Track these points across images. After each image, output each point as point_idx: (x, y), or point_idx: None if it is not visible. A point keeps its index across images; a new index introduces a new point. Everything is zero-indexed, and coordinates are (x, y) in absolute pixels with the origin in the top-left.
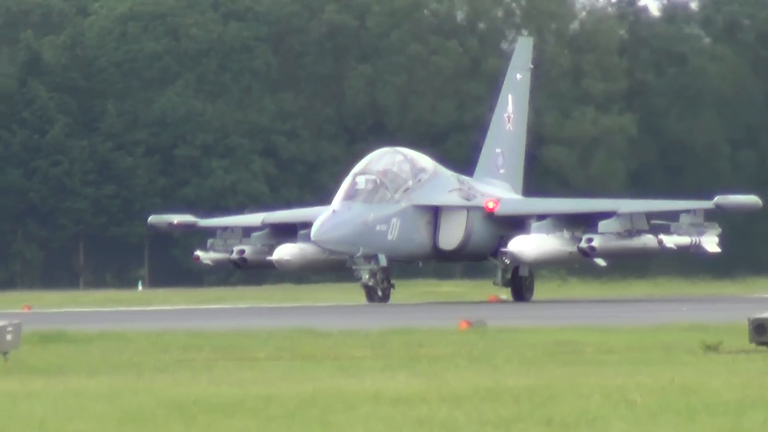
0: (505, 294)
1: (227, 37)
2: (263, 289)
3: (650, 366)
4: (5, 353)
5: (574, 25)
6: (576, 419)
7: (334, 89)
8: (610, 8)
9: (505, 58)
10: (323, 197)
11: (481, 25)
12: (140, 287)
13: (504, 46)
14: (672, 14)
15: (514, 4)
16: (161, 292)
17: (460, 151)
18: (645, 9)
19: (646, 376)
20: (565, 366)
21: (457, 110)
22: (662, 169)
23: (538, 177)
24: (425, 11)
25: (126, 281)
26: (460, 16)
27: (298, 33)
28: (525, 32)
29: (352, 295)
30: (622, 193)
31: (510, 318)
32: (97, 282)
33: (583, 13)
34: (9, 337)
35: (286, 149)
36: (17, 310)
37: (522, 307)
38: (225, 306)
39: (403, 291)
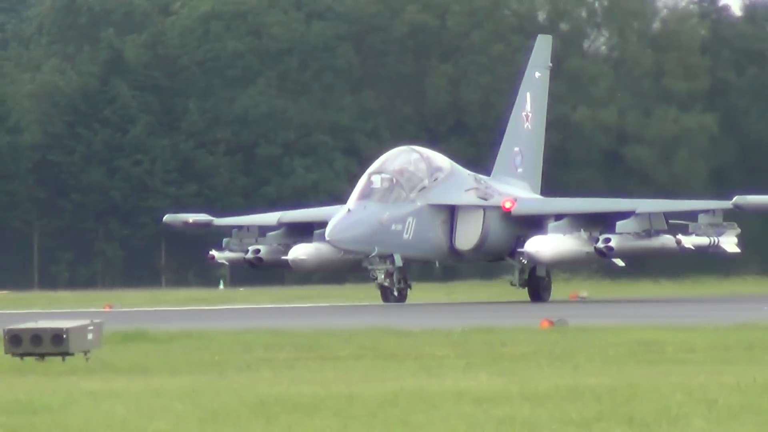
0: (586, 292)
1: (309, 36)
2: (345, 288)
3: (732, 365)
4: (87, 352)
5: (656, 24)
6: (657, 418)
7: (415, 88)
8: (692, 6)
9: (586, 57)
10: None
11: (563, 25)
12: (222, 286)
13: (586, 44)
14: (753, 13)
15: (596, 4)
16: (242, 291)
17: None
18: (726, 8)
19: (728, 375)
20: (646, 365)
21: None
22: (743, 168)
23: (621, 176)
24: (506, 11)
25: (208, 280)
26: (541, 15)
27: (380, 32)
28: (606, 31)
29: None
30: (704, 191)
31: (592, 317)
32: (179, 281)
33: (665, 12)
34: (90, 336)
35: (368, 148)
36: (99, 309)
37: (604, 307)
38: (307, 305)
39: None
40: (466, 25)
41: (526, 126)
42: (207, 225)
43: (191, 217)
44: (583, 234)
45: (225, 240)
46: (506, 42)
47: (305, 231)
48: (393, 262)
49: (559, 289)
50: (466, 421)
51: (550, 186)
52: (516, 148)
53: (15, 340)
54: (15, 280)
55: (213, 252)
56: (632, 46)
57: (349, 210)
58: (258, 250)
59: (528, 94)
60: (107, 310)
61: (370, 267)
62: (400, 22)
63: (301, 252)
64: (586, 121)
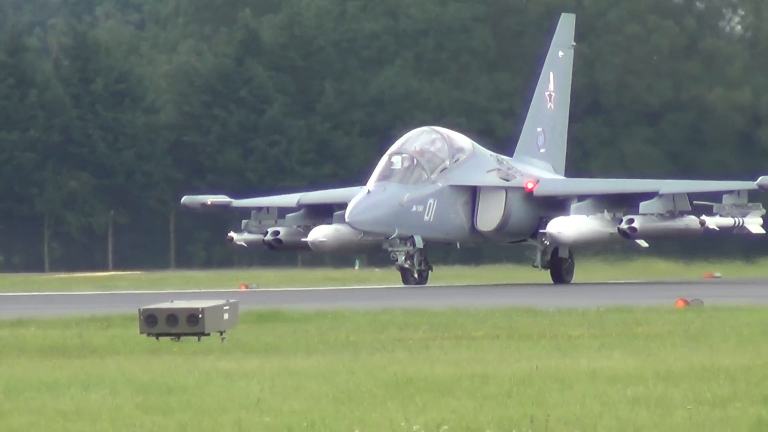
0: (719, 272)
1: (446, 17)
2: (480, 269)
3: None
4: (222, 332)
5: None
6: None
7: None
8: None
9: (721, 37)
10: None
11: (699, 4)
12: (357, 266)
13: (722, 24)
14: None
15: None
16: (378, 272)
17: (675, 132)
18: None
19: None
20: None
21: (674, 90)
22: None
23: (757, 157)
24: None
25: (344, 260)
26: None
27: (516, 13)
28: (742, 11)
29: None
30: None
31: (726, 296)
32: (315, 261)
33: None
34: (226, 316)
35: (503, 128)
36: (234, 290)
37: (739, 286)
38: (442, 285)
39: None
40: (602, 5)
41: (549, 106)
42: (226, 206)
43: (210, 199)
44: (607, 215)
45: (244, 221)
46: (642, 22)
47: (325, 212)
48: (414, 243)
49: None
50: (599, 400)
51: (683, 166)
52: (539, 129)
53: (151, 320)
54: (151, 260)
55: (232, 234)
56: None
57: (368, 191)
58: (277, 232)
59: (551, 74)
60: (243, 290)
61: (390, 249)
62: (536, 2)
63: (320, 234)
64: (720, 101)
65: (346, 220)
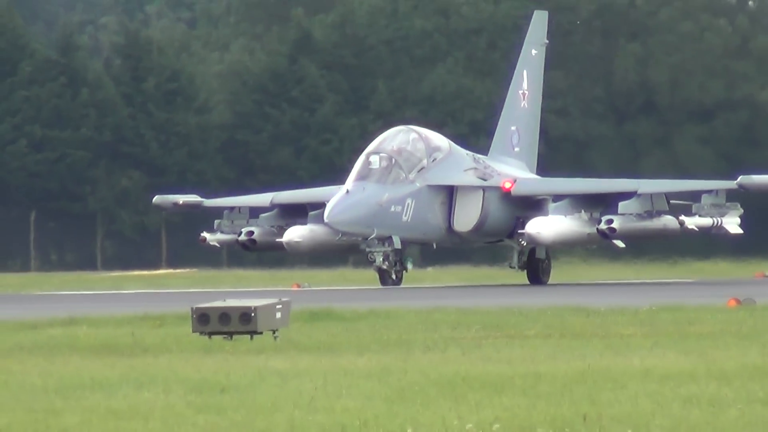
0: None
1: (497, 15)
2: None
3: None
4: (275, 331)
5: None
6: None
7: (603, 68)
8: None
9: None
10: (592, 176)
11: (751, 3)
12: (410, 266)
13: None
14: None
15: None
16: (430, 271)
17: (727, 130)
18: None
19: None
20: None
21: (726, 89)
22: None
23: None
24: None
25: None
26: None
27: (567, 12)
28: None
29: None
30: None
31: None
32: (367, 260)
33: None
34: (279, 315)
35: (556, 127)
36: (287, 288)
37: None
38: (494, 284)
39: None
40: (655, 4)
41: (522, 104)
42: (197, 206)
43: (181, 198)
44: (584, 215)
45: (216, 221)
46: (695, 20)
47: (298, 212)
48: (392, 244)
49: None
50: (652, 399)
51: (736, 164)
52: (513, 127)
53: (203, 318)
54: (204, 259)
55: (204, 234)
56: None
57: (347, 191)
58: (251, 232)
59: (525, 72)
60: (295, 288)
61: (368, 249)
62: (587, 1)
63: (295, 234)
64: None
65: (325, 220)
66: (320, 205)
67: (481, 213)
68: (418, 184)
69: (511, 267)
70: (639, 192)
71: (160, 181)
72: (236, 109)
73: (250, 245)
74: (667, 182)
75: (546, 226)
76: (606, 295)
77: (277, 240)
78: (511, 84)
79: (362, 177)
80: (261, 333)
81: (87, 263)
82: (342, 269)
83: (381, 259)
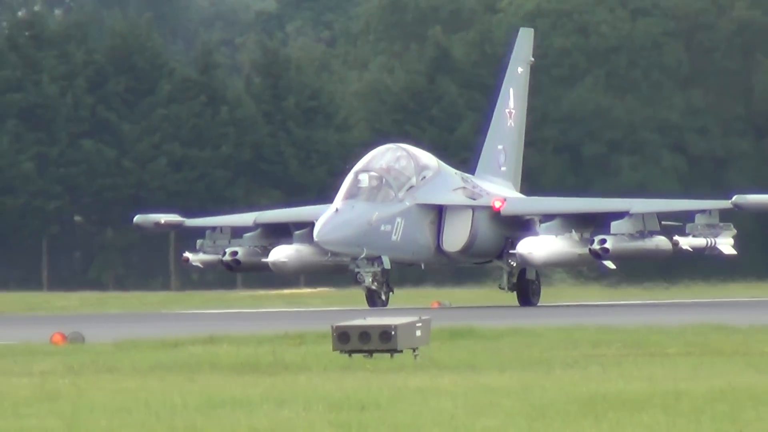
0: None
1: (636, 33)
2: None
3: None
4: (415, 349)
5: None
6: None
7: (743, 85)
8: None
9: None
10: (729, 195)
11: None
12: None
13: None
14: None
15: None
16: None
17: None
18: None
19: None
20: None
21: None
22: None
23: None
24: None
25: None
26: None
27: (707, 29)
28: None
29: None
30: None
31: None
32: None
33: None
34: (419, 333)
35: (696, 146)
36: (427, 307)
37: None
38: (634, 302)
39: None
40: None
41: (509, 123)
42: (178, 226)
43: (162, 218)
44: (575, 235)
45: (198, 241)
46: None
47: (282, 232)
48: (381, 264)
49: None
50: None
51: None
52: (500, 146)
53: (343, 337)
54: (343, 278)
55: (187, 254)
56: None
57: (336, 210)
58: (235, 252)
59: (511, 90)
60: (435, 307)
61: (357, 270)
62: (727, 19)
63: (281, 254)
64: None
65: (315, 239)
66: (305, 225)
67: (471, 233)
68: (407, 203)
69: (500, 288)
70: (631, 212)
71: (299, 199)
72: (375, 127)
73: (234, 266)
74: (659, 202)
75: (538, 247)
76: (747, 312)
77: (262, 260)
78: (498, 102)
79: (351, 195)
80: (401, 351)
81: (227, 282)
82: (479, 289)
83: (370, 280)
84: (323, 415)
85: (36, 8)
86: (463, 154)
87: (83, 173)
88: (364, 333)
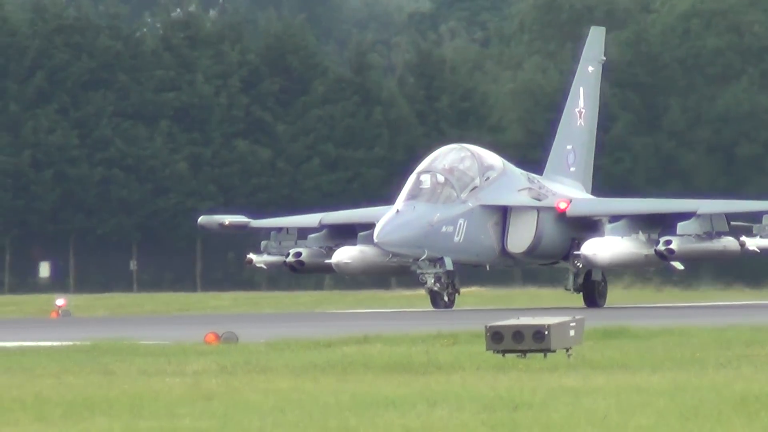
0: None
1: None
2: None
3: None
4: (568, 349)
5: None
6: None
7: None
8: None
9: None
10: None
11: None
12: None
13: None
14: None
15: None
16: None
17: None
18: None
19: None
20: None
21: None
22: None
23: None
24: None
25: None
26: None
27: None
28: None
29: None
30: None
31: None
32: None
33: None
34: (572, 333)
35: None
36: (579, 306)
37: None
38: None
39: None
40: None
41: (579, 123)
42: (243, 227)
43: (227, 219)
44: (641, 236)
45: (263, 243)
46: None
47: (348, 233)
48: (443, 265)
49: None
50: None
51: None
52: (569, 146)
53: (497, 336)
54: (495, 278)
55: (251, 255)
56: None
57: (397, 211)
58: (299, 253)
59: (581, 90)
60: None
61: (419, 271)
62: None
63: (345, 255)
64: None
65: (375, 240)
66: (369, 226)
67: (535, 234)
68: (470, 204)
69: (566, 289)
70: (698, 212)
71: None
72: (530, 128)
73: (298, 267)
74: (726, 203)
75: (602, 248)
76: None
77: (326, 261)
78: (567, 102)
79: (413, 196)
80: (554, 351)
81: (380, 283)
82: (640, 288)
83: (432, 281)
84: (476, 415)
85: (191, 9)
86: (617, 153)
87: (237, 173)
88: (518, 332)
